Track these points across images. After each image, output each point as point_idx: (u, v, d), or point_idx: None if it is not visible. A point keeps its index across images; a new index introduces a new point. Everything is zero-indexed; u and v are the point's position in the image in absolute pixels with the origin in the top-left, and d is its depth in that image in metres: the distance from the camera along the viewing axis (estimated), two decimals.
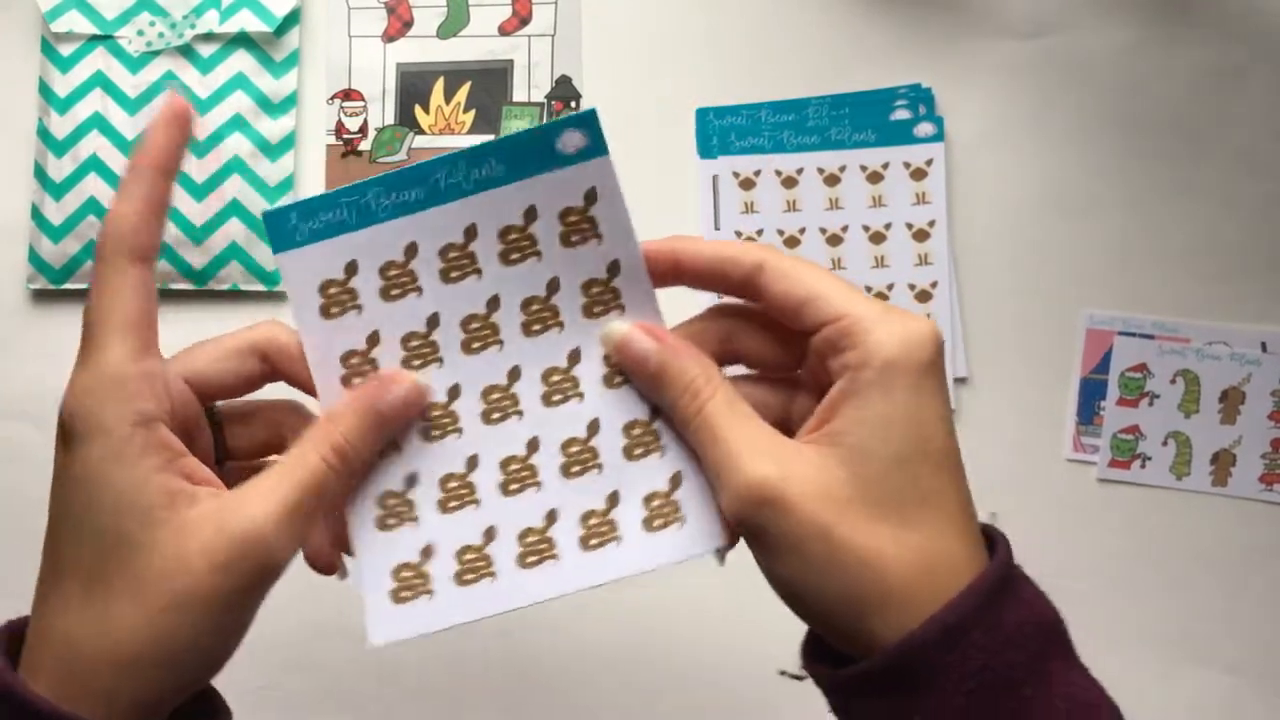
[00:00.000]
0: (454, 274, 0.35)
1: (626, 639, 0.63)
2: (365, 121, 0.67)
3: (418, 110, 0.67)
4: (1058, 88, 0.67)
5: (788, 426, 0.35)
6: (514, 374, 0.36)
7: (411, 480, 0.36)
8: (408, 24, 0.68)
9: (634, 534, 0.36)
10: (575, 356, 0.36)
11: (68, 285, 0.65)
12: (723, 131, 0.66)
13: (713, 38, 0.68)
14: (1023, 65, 0.67)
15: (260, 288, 0.65)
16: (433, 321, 0.35)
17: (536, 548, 0.36)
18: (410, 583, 0.35)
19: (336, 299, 0.35)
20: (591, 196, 0.35)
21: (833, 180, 0.66)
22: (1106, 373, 0.65)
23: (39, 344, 0.66)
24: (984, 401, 0.65)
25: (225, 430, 0.37)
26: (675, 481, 0.36)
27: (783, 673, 0.38)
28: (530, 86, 0.67)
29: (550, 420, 0.36)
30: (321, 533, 0.35)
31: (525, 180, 0.35)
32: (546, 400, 0.36)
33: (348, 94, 0.67)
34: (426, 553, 0.35)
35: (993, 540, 0.33)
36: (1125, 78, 0.67)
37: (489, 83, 0.67)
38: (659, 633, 0.63)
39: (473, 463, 0.36)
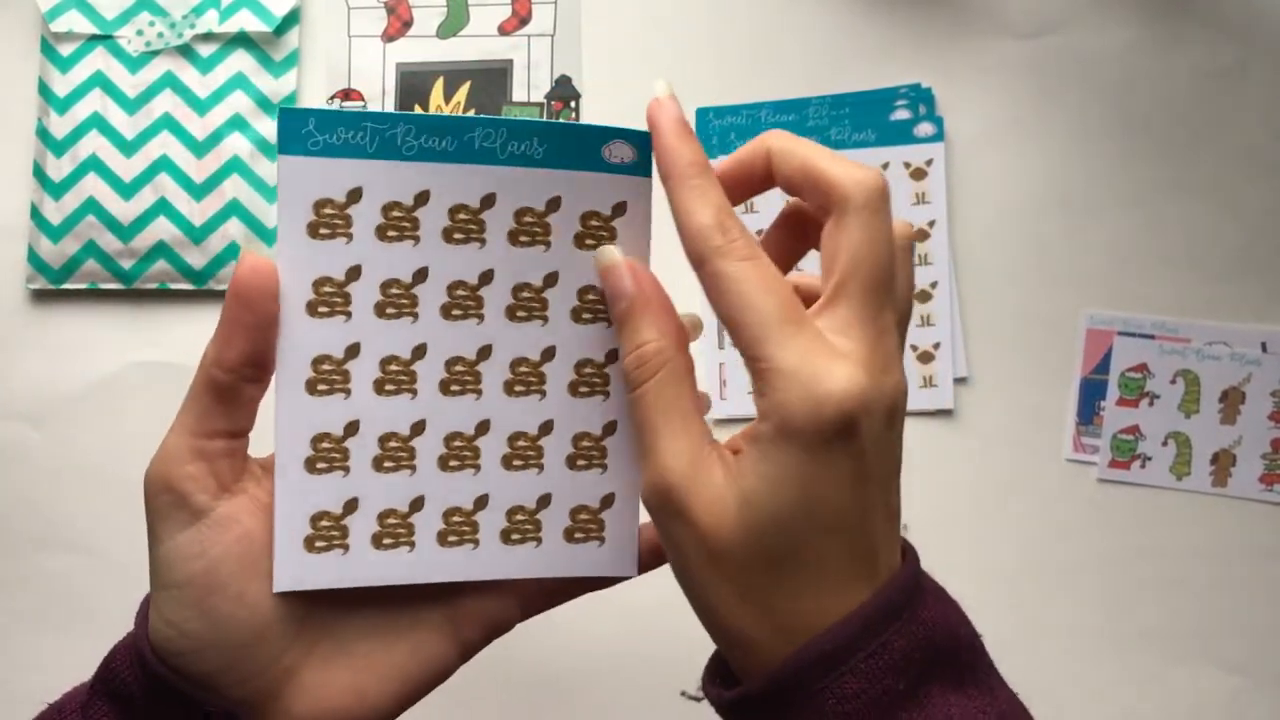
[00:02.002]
0: (456, 235, 0.34)
1: (626, 639, 0.63)
2: None
3: (417, 110, 0.67)
4: (1058, 88, 0.67)
5: None
6: (484, 352, 0.35)
7: (351, 428, 0.34)
8: (407, 24, 0.68)
9: (554, 540, 0.36)
10: (549, 354, 0.35)
11: (67, 285, 0.65)
12: (723, 131, 0.66)
13: (713, 38, 0.68)
14: (1023, 65, 0.67)
15: None
16: (419, 275, 0.34)
17: (459, 529, 0.35)
18: (326, 533, 0.34)
19: (328, 220, 0.33)
20: (620, 209, 0.35)
21: None
22: (1106, 373, 0.65)
23: (38, 344, 0.66)
24: (984, 401, 0.65)
25: None
26: (606, 502, 0.36)
27: (683, 694, 0.38)
28: (530, 86, 0.67)
29: (506, 409, 0.35)
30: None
31: (560, 171, 0.34)
32: (508, 389, 0.35)
33: (347, 94, 0.67)
34: (349, 506, 0.35)
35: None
36: (1125, 77, 0.67)
37: (488, 82, 0.67)
38: (659, 633, 0.63)
39: (418, 428, 0.35)
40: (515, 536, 0.36)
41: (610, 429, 0.36)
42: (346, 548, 0.34)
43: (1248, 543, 0.64)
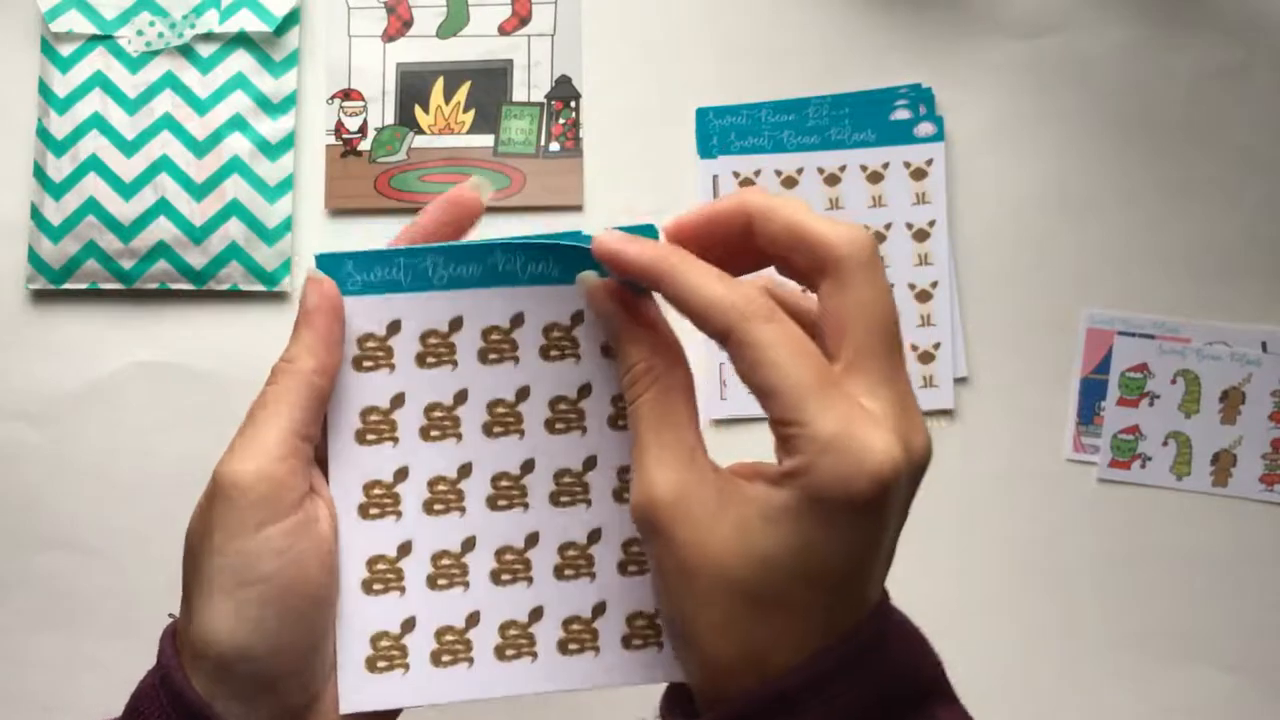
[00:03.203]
0: (491, 356, 0.36)
1: None
2: (365, 121, 0.67)
3: (417, 110, 0.67)
4: (1058, 88, 0.67)
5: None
6: (527, 466, 0.36)
7: (405, 549, 0.36)
8: (407, 24, 0.68)
9: (611, 648, 0.36)
10: (591, 463, 0.36)
11: (67, 285, 0.65)
12: (723, 131, 0.66)
13: (713, 38, 0.68)
14: (1023, 65, 0.67)
15: (260, 288, 0.65)
16: (460, 397, 0.36)
17: (516, 642, 0.36)
18: (387, 653, 0.35)
19: (371, 354, 0.35)
20: None
21: (833, 180, 0.66)
22: (1107, 373, 0.65)
23: (38, 344, 0.66)
24: (984, 401, 0.65)
25: None
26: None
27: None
28: (530, 86, 0.67)
29: (554, 520, 0.36)
30: None
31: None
32: (554, 500, 0.36)
33: (347, 94, 0.67)
34: (407, 625, 0.36)
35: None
36: (1125, 77, 0.67)
37: (489, 82, 0.67)
38: None
39: (469, 544, 0.36)
40: (573, 646, 0.36)
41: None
42: (407, 667, 0.36)
43: (1248, 543, 0.64)
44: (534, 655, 0.36)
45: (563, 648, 0.36)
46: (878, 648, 0.30)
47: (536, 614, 0.36)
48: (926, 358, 0.65)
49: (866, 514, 0.29)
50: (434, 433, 0.36)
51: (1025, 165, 0.66)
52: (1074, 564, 0.64)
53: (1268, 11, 0.66)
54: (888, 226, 0.66)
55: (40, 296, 0.66)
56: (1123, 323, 0.65)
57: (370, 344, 0.35)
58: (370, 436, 0.35)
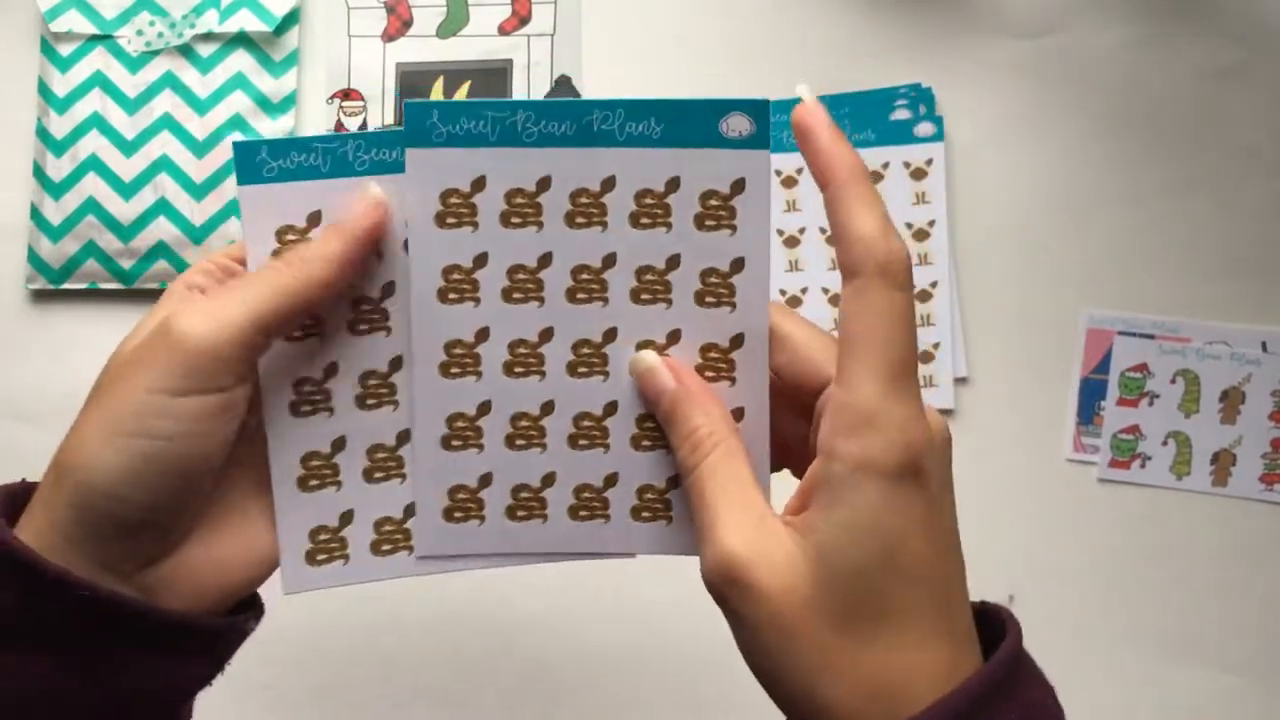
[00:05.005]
0: (579, 219, 0.34)
1: (626, 639, 0.63)
2: (365, 121, 0.67)
3: None
4: (1058, 88, 0.67)
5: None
6: (609, 335, 0.35)
7: (484, 408, 0.36)
8: (407, 23, 0.68)
9: (681, 519, 0.36)
10: (675, 337, 0.35)
11: (66, 285, 0.65)
12: None
13: (713, 38, 0.68)
14: (1023, 65, 0.67)
15: None
16: (544, 260, 0.35)
17: (589, 504, 0.36)
18: (464, 505, 0.36)
19: (455, 210, 0.34)
20: (739, 187, 0.34)
21: None
22: (1107, 373, 0.65)
23: (38, 344, 0.66)
24: (984, 401, 0.65)
25: None
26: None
27: None
28: (530, 86, 0.67)
29: (632, 392, 0.36)
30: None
31: (678, 149, 0.34)
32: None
33: (347, 93, 0.67)
34: (484, 480, 0.36)
35: (1001, 628, 0.32)
36: (1125, 77, 0.67)
37: (488, 82, 0.67)
38: (659, 633, 0.63)
39: (547, 408, 0.36)
40: (646, 514, 0.36)
41: (739, 414, 0.35)
42: (483, 518, 0.36)
43: (1248, 543, 0.64)
44: (606, 518, 0.36)
45: (635, 514, 0.36)
46: (1015, 682, 0.30)
47: (611, 480, 0.36)
48: (926, 358, 0.65)
49: (912, 482, 0.29)
50: (516, 295, 0.35)
51: (1025, 165, 0.66)
52: (1073, 564, 0.64)
53: (1268, 11, 0.66)
54: None
55: (40, 296, 0.66)
56: (1123, 322, 0.65)
57: (454, 200, 0.34)
58: (452, 295, 0.35)
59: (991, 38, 0.67)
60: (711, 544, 0.31)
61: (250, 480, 0.36)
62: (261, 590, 0.37)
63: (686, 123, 0.34)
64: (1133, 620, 0.64)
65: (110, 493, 0.32)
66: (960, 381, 0.65)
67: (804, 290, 0.66)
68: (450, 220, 0.34)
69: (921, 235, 0.65)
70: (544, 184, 0.34)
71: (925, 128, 0.66)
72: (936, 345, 0.65)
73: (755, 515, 0.31)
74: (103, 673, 0.32)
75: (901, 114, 0.66)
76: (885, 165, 0.66)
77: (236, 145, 0.33)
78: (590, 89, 0.67)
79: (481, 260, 0.35)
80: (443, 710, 0.63)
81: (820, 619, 0.29)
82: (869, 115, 0.66)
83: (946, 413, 0.65)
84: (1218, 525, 0.64)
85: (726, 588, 0.31)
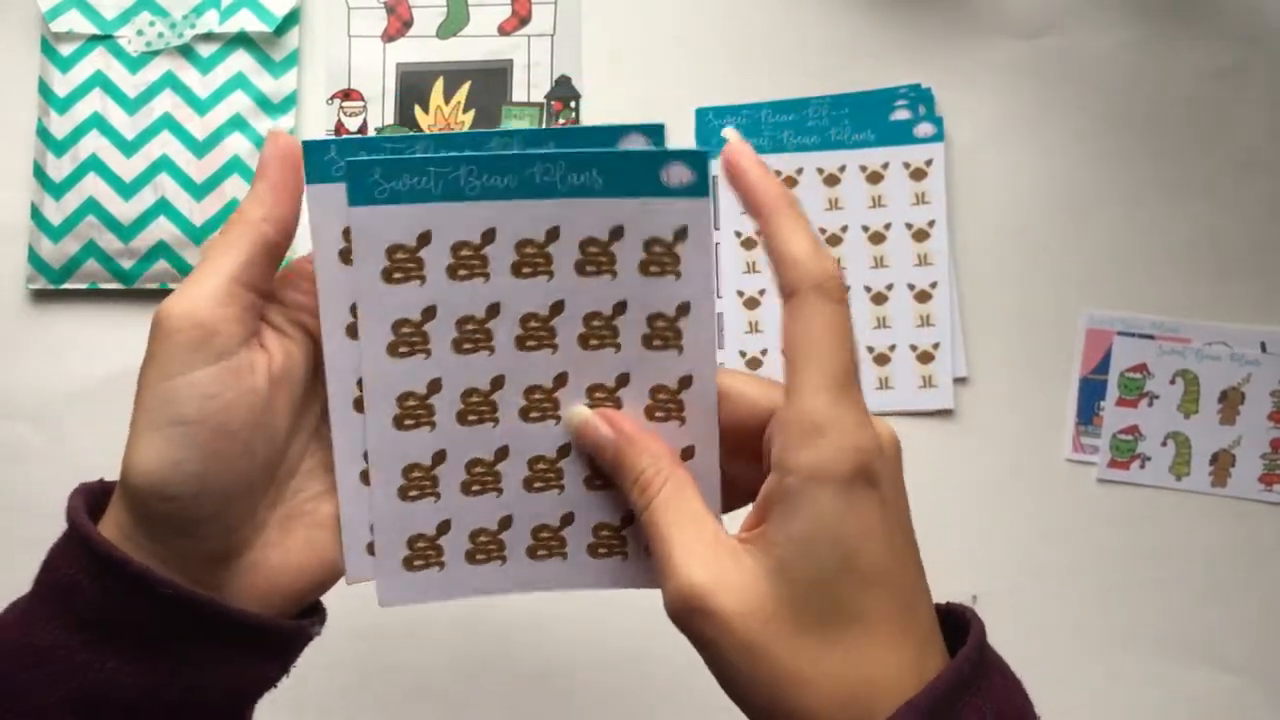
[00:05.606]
0: (525, 270, 0.35)
1: (626, 639, 0.63)
2: (365, 121, 0.67)
3: (417, 110, 0.67)
4: (1058, 88, 0.67)
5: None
6: (560, 380, 0.36)
7: (439, 457, 0.36)
8: (407, 24, 0.68)
9: (636, 554, 0.37)
10: (624, 380, 0.36)
11: (67, 285, 0.65)
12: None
13: (713, 38, 0.68)
14: (1023, 65, 0.67)
15: None
16: (492, 311, 0.35)
17: (548, 544, 0.37)
18: (423, 553, 0.37)
19: (401, 265, 0.35)
20: (682, 234, 0.35)
21: (832, 180, 0.66)
22: (1106, 373, 0.65)
23: (38, 344, 0.66)
24: (984, 401, 0.65)
25: None
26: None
27: None
28: (530, 86, 0.67)
29: None
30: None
31: (620, 199, 0.34)
32: None
33: (347, 94, 0.67)
34: (443, 527, 0.37)
35: (965, 627, 0.32)
36: (1125, 78, 0.67)
37: (488, 83, 0.67)
38: (659, 633, 0.63)
39: (502, 454, 0.36)
40: (602, 550, 0.37)
41: (689, 453, 0.36)
42: (443, 564, 0.37)
43: (1248, 543, 0.64)
44: (564, 556, 0.37)
45: (592, 551, 0.37)
46: (980, 676, 0.31)
47: (567, 519, 0.37)
48: (926, 358, 0.65)
49: (863, 487, 0.30)
50: (466, 345, 0.35)
51: (1025, 165, 0.66)
52: (1073, 564, 0.64)
53: (1268, 11, 0.66)
54: (887, 227, 0.66)
55: (40, 296, 0.66)
56: (1122, 323, 0.65)
57: (400, 255, 0.34)
58: (403, 349, 0.35)
59: (991, 38, 0.67)
60: (671, 577, 0.32)
61: (317, 485, 0.36)
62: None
63: (628, 173, 0.34)
64: (1132, 620, 0.64)
65: (159, 492, 0.32)
66: (960, 381, 0.65)
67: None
68: (397, 275, 0.35)
69: (921, 235, 0.65)
70: (489, 236, 0.35)
71: (925, 128, 0.66)
72: (936, 345, 0.65)
73: (709, 542, 0.32)
74: (181, 670, 0.33)
75: (901, 114, 0.66)
76: (885, 165, 0.66)
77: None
78: (590, 89, 0.67)
79: (430, 313, 0.35)
80: (442, 710, 0.63)
81: (786, 633, 0.30)
82: (869, 115, 0.66)
83: (946, 413, 0.65)
84: (1217, 525, 0.64)
85: (689, 618, 0.31)
